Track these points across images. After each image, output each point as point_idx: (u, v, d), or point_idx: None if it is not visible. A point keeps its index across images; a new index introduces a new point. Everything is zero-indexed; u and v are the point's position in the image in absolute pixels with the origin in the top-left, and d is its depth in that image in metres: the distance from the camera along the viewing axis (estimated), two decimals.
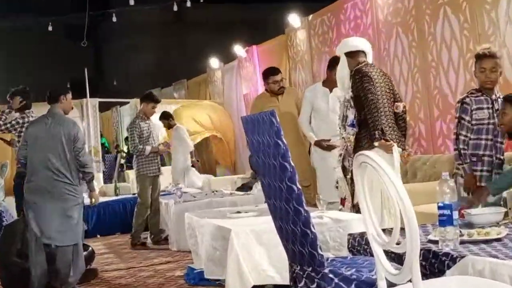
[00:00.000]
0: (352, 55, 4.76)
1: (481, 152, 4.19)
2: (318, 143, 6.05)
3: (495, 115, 4.19)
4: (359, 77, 4.57)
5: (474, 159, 4.19)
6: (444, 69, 6.75)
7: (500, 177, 3.91)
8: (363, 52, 4.77)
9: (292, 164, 2.42)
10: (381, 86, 4.57)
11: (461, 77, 6.50)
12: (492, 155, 4.19)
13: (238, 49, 11.73)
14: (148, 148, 7.52)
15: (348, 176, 4.55)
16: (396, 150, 4.50)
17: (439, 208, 2.60)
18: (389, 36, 7.72)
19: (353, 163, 2.26)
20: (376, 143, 4.41)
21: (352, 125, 4.63)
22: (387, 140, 4.44)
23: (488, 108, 4.22)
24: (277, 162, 2.40)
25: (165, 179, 9.05)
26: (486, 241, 2.72)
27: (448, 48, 6.66)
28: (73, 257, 5.07)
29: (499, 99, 4.22)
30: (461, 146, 4.20)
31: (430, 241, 2.83)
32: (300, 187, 2.46)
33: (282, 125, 2.41)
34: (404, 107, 4.82)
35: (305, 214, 2.42)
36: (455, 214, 2.61)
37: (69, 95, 5.35)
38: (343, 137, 4.68)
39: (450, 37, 6.63)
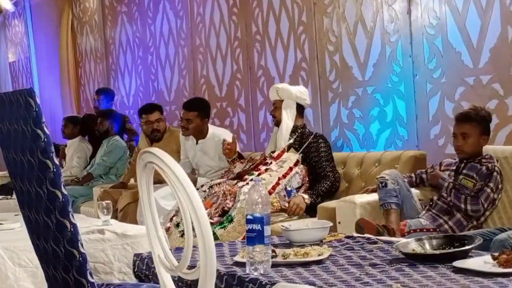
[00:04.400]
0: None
1: None
2: None
3: None
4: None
5: None
6: (272, 44, 6.99)
7: None
8: None
9: (57, 162, 2.36)
10: None
11: (291, 56, 6.77)
12: None
13: (3, 0, 11.28)
14: None
15: None
16: None
17: (248, 221, 2.68)
18: None
19: (137, 164, 2.27)
20: None
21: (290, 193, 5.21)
22: None
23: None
24: (35, 159, 2.32)
25: None
26: (304, 264, 2.85)
27: (276, 19, 6.90)
28: None
29: None
30: None
31: (236, 264, 2.91)
32: (66, 193, 2.40)
33: None
34: None
35: (72, 229, 2.37)
36: (267, 230, 2.70)
37: None
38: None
39: (279, 5, 6.87)
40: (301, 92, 5.68)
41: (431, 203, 4.58)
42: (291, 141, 5.50)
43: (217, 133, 6.33)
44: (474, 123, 4.47)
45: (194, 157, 6.43)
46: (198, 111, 6.25)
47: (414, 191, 4.73)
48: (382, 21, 5.84)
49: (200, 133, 6.33)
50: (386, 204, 4.48)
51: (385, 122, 5.87)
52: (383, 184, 4.54)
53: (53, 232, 2.37)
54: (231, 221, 4.87)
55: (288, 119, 5.55)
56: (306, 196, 5.23)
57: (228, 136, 6.13)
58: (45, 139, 2.33)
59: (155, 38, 8.77)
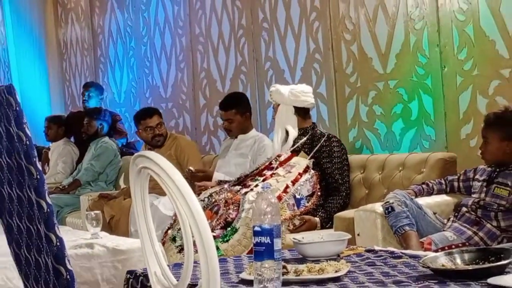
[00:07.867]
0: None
1: None
2: None
3: None
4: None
5: None
6: (281, 33, 6.99)
7: None
8: None
9: (40, 168, 2.37)
10: None
11: (302, 46, 6.77)
12: None
13: None
14: None
15: None
16: None
17: (255, 233, 2.69)
18: None
19: (130, 169, 2.27)
20: None
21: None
22: None
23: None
24: (13, 162, 2.33)
25: None
26: (319, 282, 2.85)
27: (286, 5, 6.89)
28: None
29: None
30: None
31: (243, 281, 2.92)
32: (51, 203, 2.42)
33: None
34: None
35: (58, 244, 2.38)
36: (278, 243, 2.71)
37: None
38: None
39: None
40: (296, 94, 5.66)
41: (456, 213, 4.56)
42: (301, 142, 5.50)
43: (260, 134, 6.42)
44: (495, 127, 4.45)
45: (223, 152, 6.49)
46: (236, 108, 6.31)
47: (426, 204, 4.69)
48: (406, 6, 5.83)
49: (245, 131, 6.40)
50: (399, 229, 4.40)
51: (409, 120, 5.86)
52: (389, 210, 4.47)
53: (36, 241, 2.38)
54: (235, 233, 4.85)
55: (292, 127, 5.57)
56: (317, 220, 5.22)
57: (269, 144, 6.17)
58: (28, 142, 2.34)
59: (149, 27, 8.77)
